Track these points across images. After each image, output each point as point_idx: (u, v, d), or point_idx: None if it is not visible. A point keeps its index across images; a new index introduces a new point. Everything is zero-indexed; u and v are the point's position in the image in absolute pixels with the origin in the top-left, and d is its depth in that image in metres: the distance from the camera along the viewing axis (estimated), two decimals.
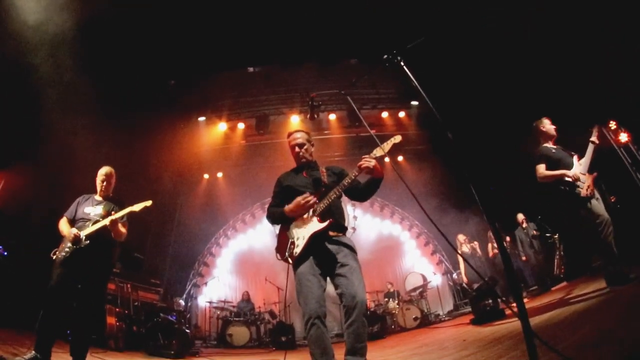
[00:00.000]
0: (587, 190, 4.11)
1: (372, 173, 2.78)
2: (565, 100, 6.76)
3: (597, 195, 4.23)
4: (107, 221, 3.73)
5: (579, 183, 4.15)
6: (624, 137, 7.35)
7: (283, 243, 2.85)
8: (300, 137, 3.14)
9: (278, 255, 2.87)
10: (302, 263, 2.68)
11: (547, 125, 4.62)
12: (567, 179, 4.21)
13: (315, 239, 2.69)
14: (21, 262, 5.77)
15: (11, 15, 5.48)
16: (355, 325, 2.41)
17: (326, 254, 2.69)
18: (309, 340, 2.47)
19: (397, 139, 2.85)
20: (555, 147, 4.54)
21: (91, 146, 6.47)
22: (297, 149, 3.11)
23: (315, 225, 2.71)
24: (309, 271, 2.63)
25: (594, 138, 4.40)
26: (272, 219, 3.02)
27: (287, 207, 2.84)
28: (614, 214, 4.17)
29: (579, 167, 4.29)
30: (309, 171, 3.08)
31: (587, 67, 6.59)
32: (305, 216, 2.80)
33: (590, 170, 4.28)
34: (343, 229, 2.89)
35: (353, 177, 2.74)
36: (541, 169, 4.41)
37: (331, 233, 2.75)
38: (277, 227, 3.00)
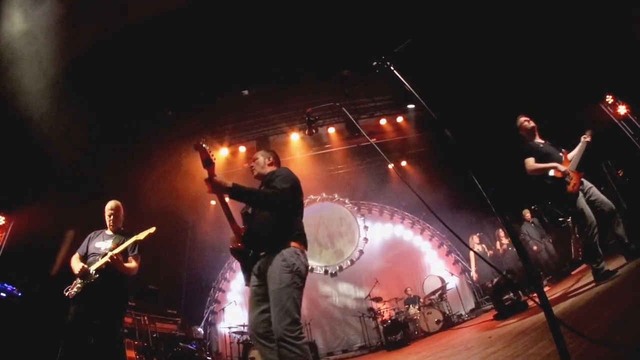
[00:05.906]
0: (572, 186, 4.12)
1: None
2: (560, 78, 6.74)
3: (589, 191, 4.22)
4: (107, 258, 3.74)
5: (567, 178, 4.16)
6: (622, 109, 7.32)
7: None
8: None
9: None
10: None
11: (524, 123, 4.62)
12: (551, 172, 4.21)
13: None
14: (35, 301, 5.77)
15: (5, 52, 5.54)
16: None
17: None
18: None
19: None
20: (542, 142, 4.55)
21: (97, 181, 6.52)
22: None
23: None
24: None
25: (587, 137, 4.45)
26: None
27: None
28: (623, 187, 4.13)
29: (568, 163, 4.31)
30: None
31: (577, 44, 6.59)
32: None
33: (579, 168, 4.30)
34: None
35: None
36: (530, 161, 4.40)
37: None
38: None
